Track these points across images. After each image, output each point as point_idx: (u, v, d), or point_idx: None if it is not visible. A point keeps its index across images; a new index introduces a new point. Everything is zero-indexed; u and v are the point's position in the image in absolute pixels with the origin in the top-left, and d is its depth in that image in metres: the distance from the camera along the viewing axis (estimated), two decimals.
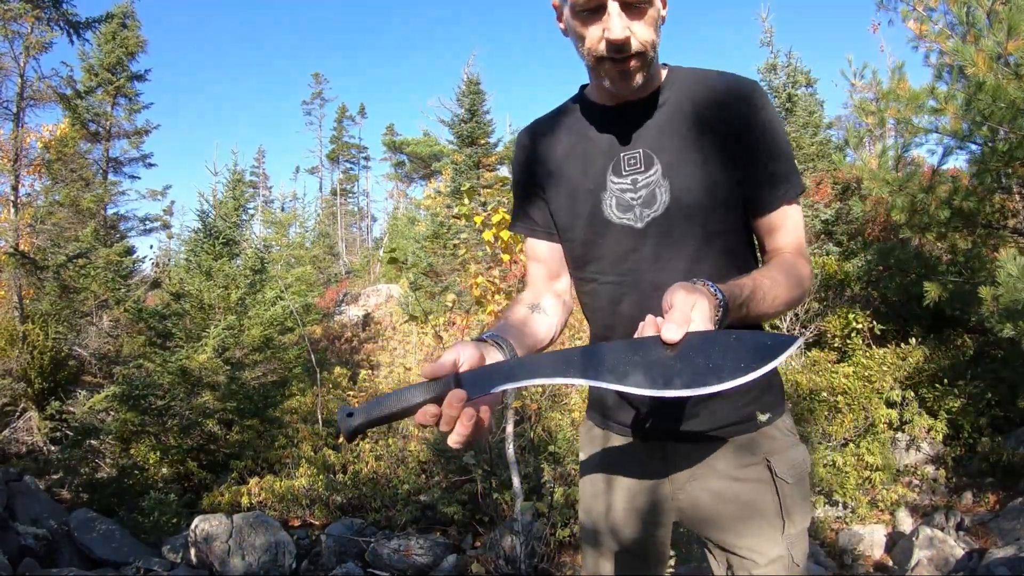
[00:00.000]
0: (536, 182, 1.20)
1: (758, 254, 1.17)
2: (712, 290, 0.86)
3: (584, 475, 1.29)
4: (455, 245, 11.36)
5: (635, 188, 1.08)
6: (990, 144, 3.88)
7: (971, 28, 3.55)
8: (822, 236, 9.76)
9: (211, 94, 72.63)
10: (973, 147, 4.12)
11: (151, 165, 12.79)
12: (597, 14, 0.96)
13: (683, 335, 0.76)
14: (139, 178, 15.49)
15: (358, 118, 38.42)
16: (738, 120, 1.06)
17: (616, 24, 0.94)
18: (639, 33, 0.96)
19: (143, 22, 12.56)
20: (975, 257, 4.46)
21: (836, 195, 9.90)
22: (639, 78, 1.01)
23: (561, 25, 1.07)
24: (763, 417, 1.13)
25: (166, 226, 22.66)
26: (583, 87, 1.19)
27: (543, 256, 1.24)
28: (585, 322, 1.28)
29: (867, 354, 5.59)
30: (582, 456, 1.30)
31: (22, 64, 8.19)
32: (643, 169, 1.08)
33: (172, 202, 36.96)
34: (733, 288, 0.91)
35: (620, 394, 1.17)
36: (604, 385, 0.79)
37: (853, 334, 5.88)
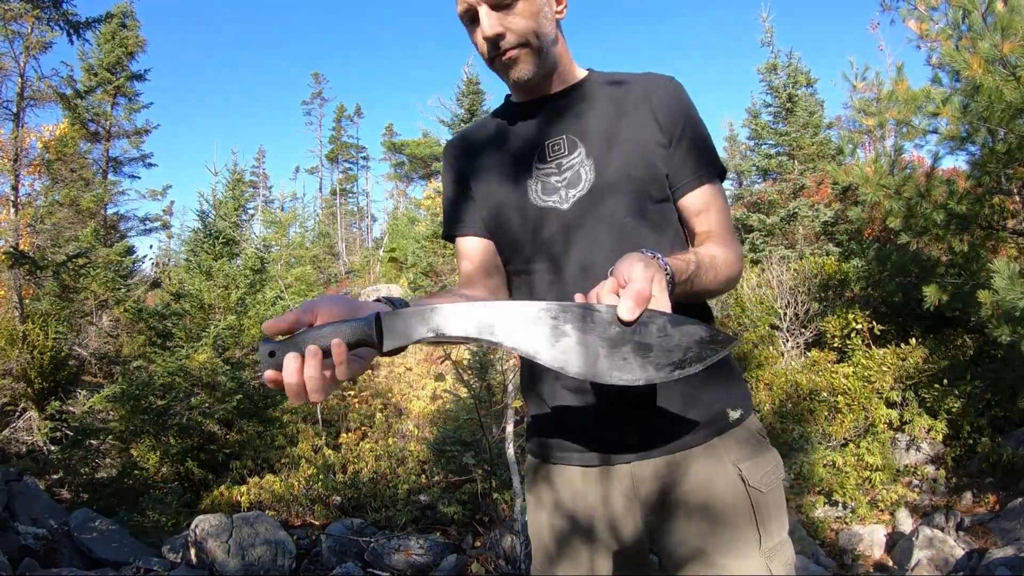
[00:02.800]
0: (465, 185, 1.21)
1: (685, 237, 1.15)
2: (662, 263, 0.85)
3: (535, 521, 1.18)
4: None
5: (560, 171, 1.10)
6: (989, 146, 3.88)
7: (970, 30, 3.55)
8: (822, 236, 9.77)
9: (211, 94, 72.64)
10: (972, 148, 4.12)
11: (151, 165, 12.79)
12: (475, 21, 1.04)
13: (640, 314, 0.73)
14: (139, 178, 15.50)
15: (356, 118, 38.44)
16: (657, 107, 1.09)
17: (486, 22, 1.01)
18: (513, 25, 1.02)
19: (143, 22, 12.55)
20: (974, 259, 4.46)
21: (836, 195, 9.91)
22: (527, 65, 1.06)
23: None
24: (735, 414, 1.09)
25: (166, 226, 22.64)
26: (507, 96, 1.23)
27: (475, 252, 1.20)
28: None
29: (867, 354, 5.59)
30: (530, 501, 1.19)
31: (22, 64, 8.20)
32: (567, 153, 1.10)
33: (172, 202, 37.02)
34: (678, 262, 0.90)
35: (563, 406, 1.10)
36: (543, 363, 0.73)
37: (853, 334, 5.89)
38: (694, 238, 1.12)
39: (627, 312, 0.73)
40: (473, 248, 1.20)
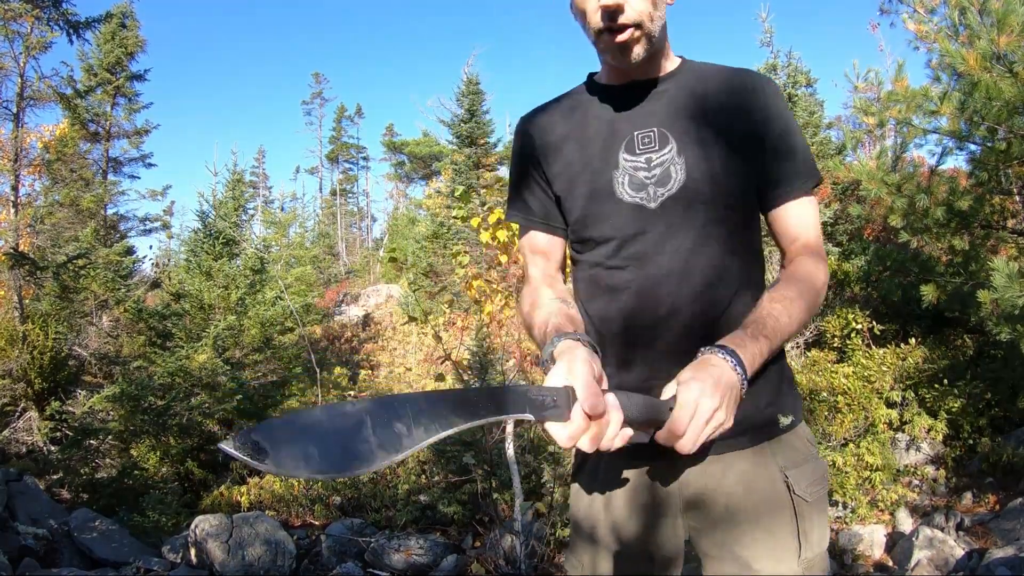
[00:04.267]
0: (537, 168, 1.14)
1: (760, 243, 1.13)
2: (740, 378, 0.87)
3: (576, 477, 1.20)
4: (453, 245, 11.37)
5: (649, 167, 1.03)
6: (988, 144, 3.89)
7: (967, 28, 3.55)
8: (822, 236, 9.75)
9: (211, 94, 72.66)
10: (972, 147, 4.12)
11: (151, 165, 12.81)
12: None
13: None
14: (139, 178, 15.49)
15: (357, 118, 38.44)
16: (753, 111, 1.05)
17: None
18: (633, 2, 0.96)
19: (143, 22, 12.54)
20: (973, 258, 4.46)
21: (836, 195, 9.91)
22: (638, 50, 0.99)
23: (572, 13, 1.07)
24: (785, 420, 1.05)
25: (166, 226, 22.63)
26: (590, 75, 1.17)
27: (544, 249, 1.16)
28: None
29: (867, 354, 5.59)
30: (575, 489, 1.20)
31: (22, 64, 8.19)
32: (657, 147, 1.04)
33: (172, 202, 37.03)
34: (754, 351, 0.91)
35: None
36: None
37: (853, 334, 5.88)
38: (785, 250, 1.10)
39: (688, 450, 0.81)
40: (541, 244, 1.17)
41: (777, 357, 1.06)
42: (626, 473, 1.09)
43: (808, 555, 1.01)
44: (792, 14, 54.67)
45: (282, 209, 27.74)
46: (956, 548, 3.73)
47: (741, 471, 1.03)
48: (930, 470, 5.06)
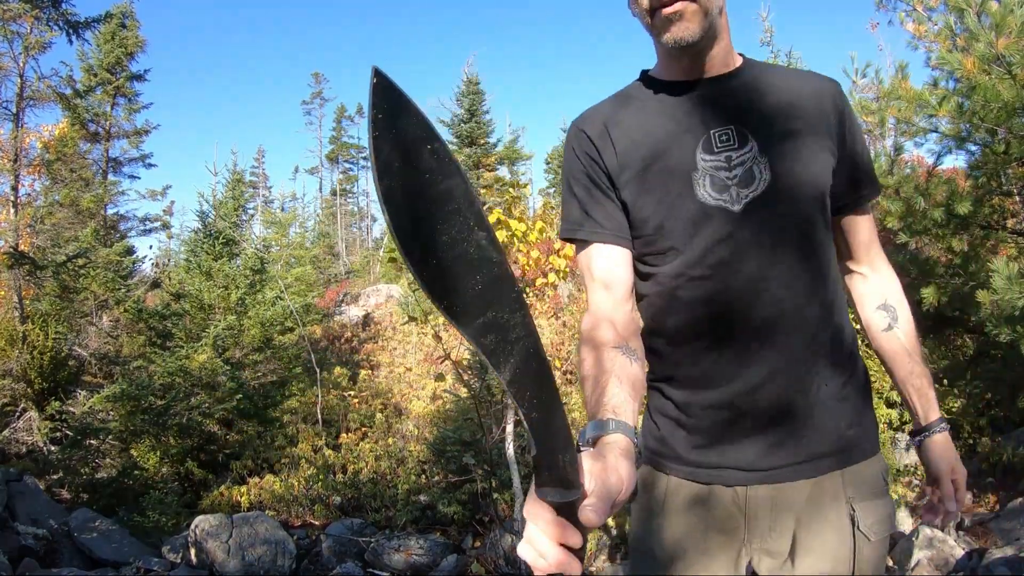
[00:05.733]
0: (599, 175, 1.02)
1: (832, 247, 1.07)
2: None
3: (642, 530, 1.09)
4: None
5: (729, 166, 0.96)
6: (988, 145, 3.88)
7: (964, 31, 3.55)
8: None
9: (211, 94, 72.66)
10: (972, 148, 4.12)
11: (151, 165, 12.80)
12: None
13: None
14: (139, 178, 15.49)
15: (357, 118, 38.43)
16: (830, 112, 1.00)
17: None
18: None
19: (142, 22, 12.55)
20: (973, 259, 4.45)
21: None
22: (693, 24, 0.90)
23: (631, 10, 1.01)
24: (863, 450, 1.01)
25: (166, 226, 22.60)
26: (644, 71, 1.09)
27: (612, 268, 1.01)
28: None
29: (867, 354, 5.59)
30: (636, 509, 1.11)
31: (21, 64, 8.18)
32: (737, 146, 0.96)
33: (172, 202, 37.01)
34: (932, 398, 1.12)
35: (683, 415, 1.03)
36: None
37: None
38: (855, 252, 1.11)
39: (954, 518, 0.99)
40: (612, 262, 1.01)
41: (858, 371, 1.05)
42: (691, 494, 1.03)
43: None
44: (792, 14, 54.71)
45: (282, 209, 27.78)
46: (956, 548, 3.73)
47: (808, 497, 0.97)
48: None
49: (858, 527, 0.96)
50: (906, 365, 1.09)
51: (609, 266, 1.01)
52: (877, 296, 1.12)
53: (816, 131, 0.99)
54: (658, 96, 1.03)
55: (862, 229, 1.09)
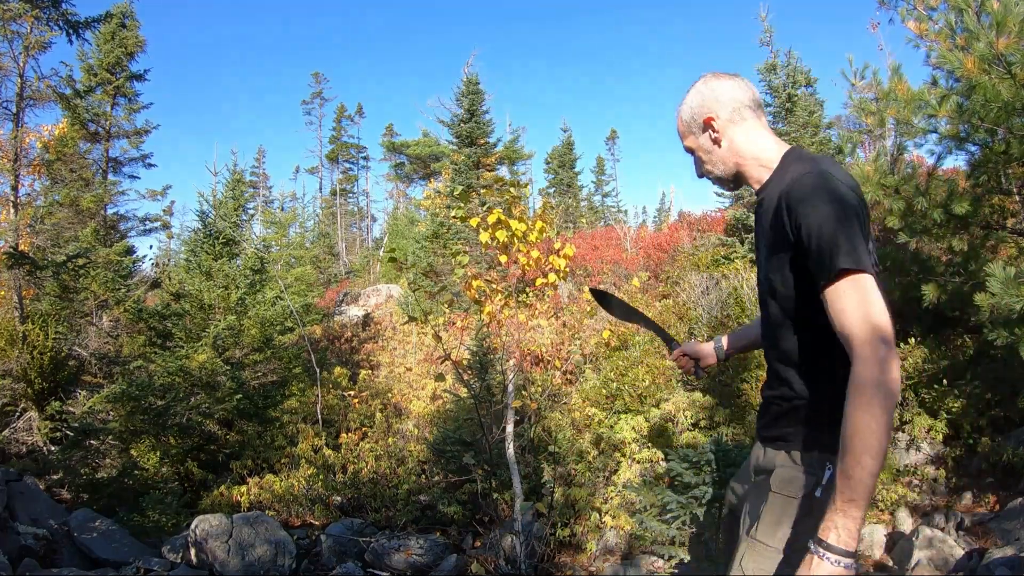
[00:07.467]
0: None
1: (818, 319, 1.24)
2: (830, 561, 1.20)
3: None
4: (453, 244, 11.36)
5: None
6: (988, 145, 3.88)
7: (965, 31, 3.55)
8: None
9: (211, 94, 72.59)
10: (972, 148, 4.11)
11: (151, 165, 12.77)
12: None
13: None
14: (139, 178, 15.48)
15: (357, 118, 38.43)
16: (789, 225, 1.22)
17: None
18: (696, 168, 1.52)
19: (142, 22, 12.54)
20: (973, 258, 4.45)
21: None
22: (714, 183, 1.52)
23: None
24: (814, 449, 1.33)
25: (166, 226, 22.65)
26: None
27: None
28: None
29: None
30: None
31: (21, 64, 8.18)
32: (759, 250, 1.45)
33: (172, 202, 37.08)
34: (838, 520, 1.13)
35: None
36: None
37: None
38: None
39: None
40: None
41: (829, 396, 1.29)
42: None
43: (754, 534, 1.31)
44: (791, 14, 54.64)
45: (282, 209, 27.70)
46: (956, 548, 3.73)
47: (762, 461, 1.44)
48: (930, 470, 5.06)
49: (771, 487, 1.35)
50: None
51: None
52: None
53: (776, 245, 1.29)
54: None
55: (829, 315, 1.17)
